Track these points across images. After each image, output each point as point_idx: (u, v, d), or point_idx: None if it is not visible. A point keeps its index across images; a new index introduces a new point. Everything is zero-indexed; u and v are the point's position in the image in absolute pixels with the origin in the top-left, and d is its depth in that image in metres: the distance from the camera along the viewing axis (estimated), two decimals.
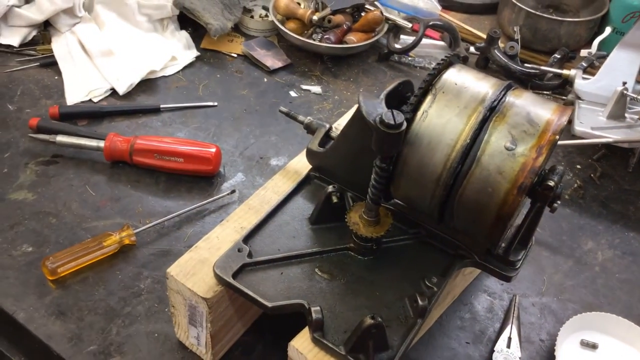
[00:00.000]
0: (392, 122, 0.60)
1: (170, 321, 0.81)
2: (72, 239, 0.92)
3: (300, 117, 0.88)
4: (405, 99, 0.72)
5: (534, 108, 0.64)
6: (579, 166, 1.16)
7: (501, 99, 0.65)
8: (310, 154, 0.83)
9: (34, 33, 1.28)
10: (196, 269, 0.72)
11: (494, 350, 0.83)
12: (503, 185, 0.62)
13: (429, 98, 0.66)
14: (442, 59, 0.68)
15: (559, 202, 0.68)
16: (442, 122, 0.64)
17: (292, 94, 1.25)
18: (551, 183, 0.64)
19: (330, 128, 0.86)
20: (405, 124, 0.61)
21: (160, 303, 0.85)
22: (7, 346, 0.87)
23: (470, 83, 0.66)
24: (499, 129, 0.63)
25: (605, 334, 0.87)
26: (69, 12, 1.27)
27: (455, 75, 0.67)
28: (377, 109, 0.65)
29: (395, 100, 0.71)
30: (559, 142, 1.13)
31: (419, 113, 0.66)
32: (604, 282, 0.96)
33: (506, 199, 0.62)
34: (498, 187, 0.62)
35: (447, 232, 0.76)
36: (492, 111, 0.64)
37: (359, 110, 0.67)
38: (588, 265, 0.98)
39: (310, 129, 0.86)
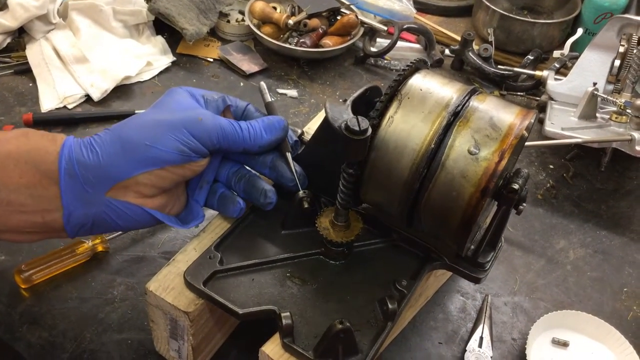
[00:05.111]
0: (357, 128, 0.61)
1: (144, 328, 0.81)
2: (45, 247, 0.92)
3: None
4: (374, 104, 0.72)
5: (496, 112, 0.65)
6: (551, 166, 1.17)
7: (465, 103, 0.66)
8: None
9: (8, 40, 1.27)
10: (175, 283, 0.72)
11: (466, 350, 0.84)
12: (467, 189, 0.63)
13: (394, 104, 0.67)
14: (407, 65, 0.69)
15: (524, 204, 0.69)
16: (408, 127, 0.65)
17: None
18: (516, 186, 0.65)
19: (302, 133, 0.86)
20: (370, 130, 0.62)
21: (134, 310, 0.85)
22: None
23: (435, 88, 0.67)
24: (462, 134, 0.64)
25: (576, 331, 0.89)
26: (43, 18, 1.26)
27: (420, 81, 0.68)
28: (343, 115, 0.66)
29: (364, 105, 0.72)
30: (532, 143, 1.15)
31: (385, 119, 0.66)
32: (576, 281, 0.97)
33: (470, 202, 0.63)
34: (462, 190, 0.63)
35: (417, 235, 0.77)
36: (456, 116, 0.65)
37: (326, 117, 0.68)
38: (560, 264, 1.00)
39: None
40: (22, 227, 0.67)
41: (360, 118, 0.62)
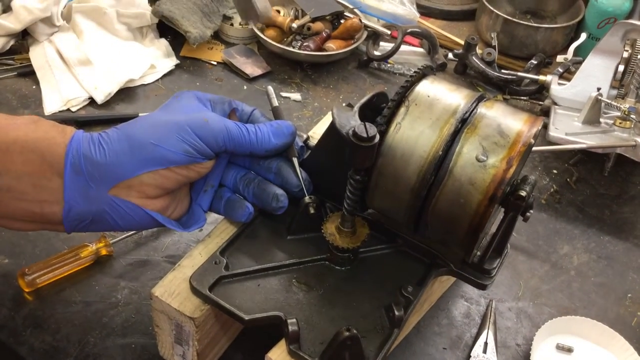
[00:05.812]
0: (364, 135, 0.61)
1: (148, 333, 0.81)
2: (48, 250, 0.92)
3: None
4: (381, 110, 0.72)
5: (504, 119, 0.65)
6: (555, 171, 1.17)
7: (472, 110, 0.66)
8: None
9: (11, 42, 1.26)
10: (181, 289, 0.71)
11: (470, 356, 0.84)
12: (475, 196, 0.63)
13: (402, 110, 0.67)
14: (415, 71, 0.69)
15: (531, 211, 0.69)
16: (415, 134, 0.65)
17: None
18: (523, 193, 0.65)
19: (308, 138, 0.86)
20: (377, 136, 0.62)
21: (137, 314, 0.85)
22: None
23: (443, 95, 0.67)
24: (470, 141, 0.64)
25: (580, 337, 0.89)
26: (47, 21, 1.26)
27: (428, 87, 0.68)
28: (350, 122, 0.66)
29: (370, 111, 0.72)
30: (536, 148, 1.15)
31: (393, 125, 0.66)
32: (580, 286, 0.97)
33: (478, 209, 0.63)
34: (470, 198, 0.63)
35: (423, 242, 0.76)
36: (464, 123, 0.65)
37: (333, 123, 0.68)
38: (564, 269, 0.99)
39: None
40: (20, 215, 0.67)
41: (367, 124, 0.62)
